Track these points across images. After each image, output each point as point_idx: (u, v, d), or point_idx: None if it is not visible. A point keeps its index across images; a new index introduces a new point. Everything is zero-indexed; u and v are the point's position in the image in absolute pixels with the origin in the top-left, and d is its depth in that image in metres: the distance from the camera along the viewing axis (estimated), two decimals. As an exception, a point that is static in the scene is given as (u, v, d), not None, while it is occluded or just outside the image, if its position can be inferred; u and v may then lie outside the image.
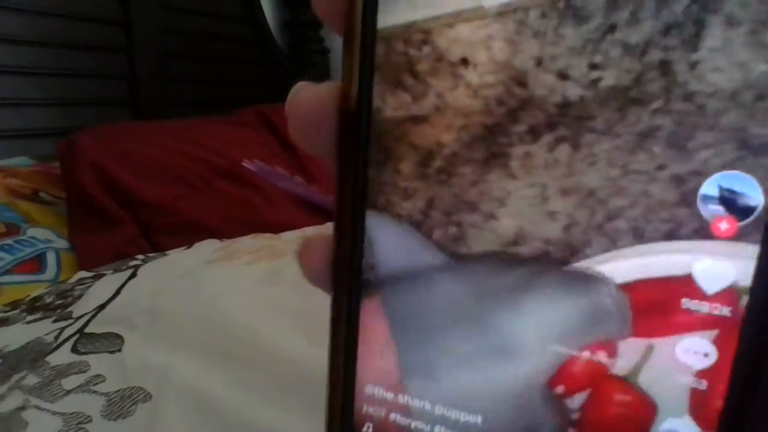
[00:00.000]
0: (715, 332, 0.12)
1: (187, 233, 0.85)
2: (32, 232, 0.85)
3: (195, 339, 0.50)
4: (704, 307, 0.12)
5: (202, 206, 0.99)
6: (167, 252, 0.75)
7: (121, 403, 0.43)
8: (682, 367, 0.12)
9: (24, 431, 0.40)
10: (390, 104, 0.12)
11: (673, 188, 0.11)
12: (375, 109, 0.13)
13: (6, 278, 0.75)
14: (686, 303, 0.12)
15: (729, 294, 0.11)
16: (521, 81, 0.10)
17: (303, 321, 0.51)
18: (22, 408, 0.43)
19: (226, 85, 1.47)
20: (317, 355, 0.50)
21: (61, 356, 0.50)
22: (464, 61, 0.11)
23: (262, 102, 1.35)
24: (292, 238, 0.79)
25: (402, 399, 0.14)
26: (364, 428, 0.15)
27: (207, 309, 0.54)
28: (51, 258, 0.83)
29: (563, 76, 0.10)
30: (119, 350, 0.50)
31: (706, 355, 0.12)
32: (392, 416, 0.14)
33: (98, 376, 0.46)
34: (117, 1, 1.21)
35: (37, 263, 0.80)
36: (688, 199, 0.11)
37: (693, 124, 0.10)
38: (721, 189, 0.11)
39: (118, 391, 0.44)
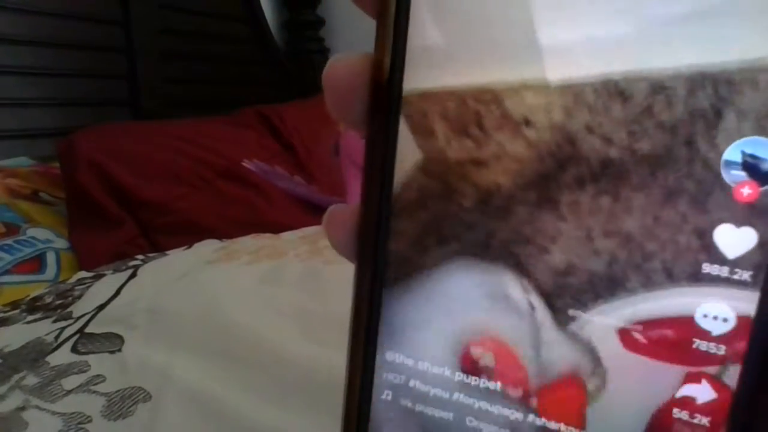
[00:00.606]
0: (735, 297, 0.12)
1: (187, 233, 0.85)
2: (32, 232, 0.85)
3: (195, 339, 0.50)
4: (724, 272, 0.12)
5: (202, 206, 0.99)
6: (167, 252, 0.75)
7: (121, 403, 0.43)
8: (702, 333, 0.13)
9: (24, 431, 0.40)
10: (454, 148, 0.14)
11: (695, 238, 0.12)
12: (438, 151, 0.14)
13: (6, 278, 0.75)
14: (706, 267, 0.12)
15: (750, 257, 0.12)
16: (572, 140, 0.13)
17: (303, 321, 0.51)
18: (23, 408, 0.43)
19: (226, 85, 1.47)
20: (317, 355, 0.50)
21: (61, 356, 0.50)
22: (525, 120, 0.13)
23: (262, 102, 1.35)
24: (292, 238, 0.79)
25: (423, 366, 0.15)
26: (384, 395, 0.16)
27: (207, 309, 0.54)
28: (51, 258, 0.83)
29: (607, 140, 0.13)
30: (119, 350, 0.50)
31: (725, 320, 0.12)
32: (412, 383, 0.15)
33: (98, 376, 0.46)
34: (117, 1, 1.21)
35: (36, 263, 0.80)
36: (708, 247, 0.12)
37: (710, 187, 0.12)
38: (744, 154, 0.12)
39: (118, 391, 0.44)
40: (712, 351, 0.13)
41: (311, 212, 1.08)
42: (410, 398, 0.15)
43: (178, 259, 0.71)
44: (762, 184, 0.12)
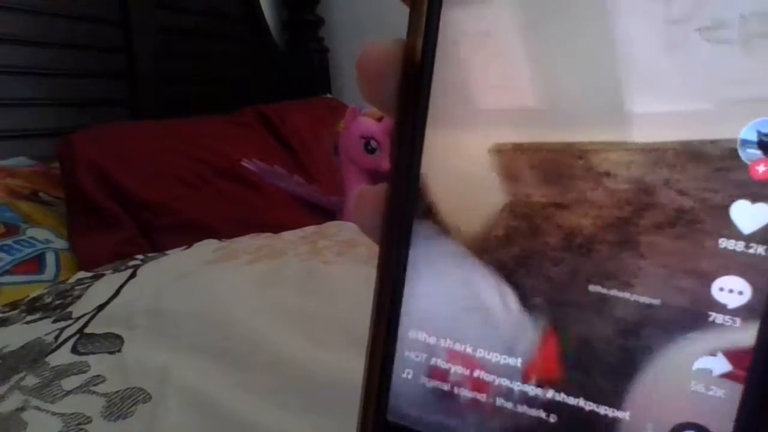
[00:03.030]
0: (750, 271, 0.13)
1: (187, 233, 0.84)
2: (32, 232, 0.85)
3: (195, 339, 0.50)
4: (740, 246, 0.13)
5: (202, 206, 0.99)
6: (167, 252, 0.75)
7: (121, 404, 0.43)
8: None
9: (24, 432, 0.40)
10: (539, 191, 0.15)
11: (759, 271, 0.13)
12: (526, 195, 0.15)
13: (5, 278, 0.75)
14: (723, 242, 0.13)
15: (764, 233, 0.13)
16: (648, 192, 0.14)
17: (303, 321, 0.51)
18: (22, 409, 0.43)
19: (225, 84, 1.47)
20: (317, 356, 0.50)
21: (61, 357, 0.49)
22: (607, 173, 0.15)
23: (262, 101, 1.35)
24: (291, 238, 0.79)
25: (445, 343, 0.16)
26: (405, 373, 0.16)
27: (207, 309, 0.54)
28: (50, 258, 0.83)
29: (682, 193, 0.14)
30: (119, 350, 0.50)
31: (740, 293, 0.13)
32: (434, 360, 0.16)
33: (98, 376, 0.46)
34: (116, 0, 1.21)
35: (36, 263, 0.80)
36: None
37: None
38: (760, 134, 0.13)
39: (118, 391, 0.44)
40: (728, 324, 0.13)
41: (311, 212, 1.08)
42: (431, 377, 0.16)
43: (177, 259, 0.71)
44: None
